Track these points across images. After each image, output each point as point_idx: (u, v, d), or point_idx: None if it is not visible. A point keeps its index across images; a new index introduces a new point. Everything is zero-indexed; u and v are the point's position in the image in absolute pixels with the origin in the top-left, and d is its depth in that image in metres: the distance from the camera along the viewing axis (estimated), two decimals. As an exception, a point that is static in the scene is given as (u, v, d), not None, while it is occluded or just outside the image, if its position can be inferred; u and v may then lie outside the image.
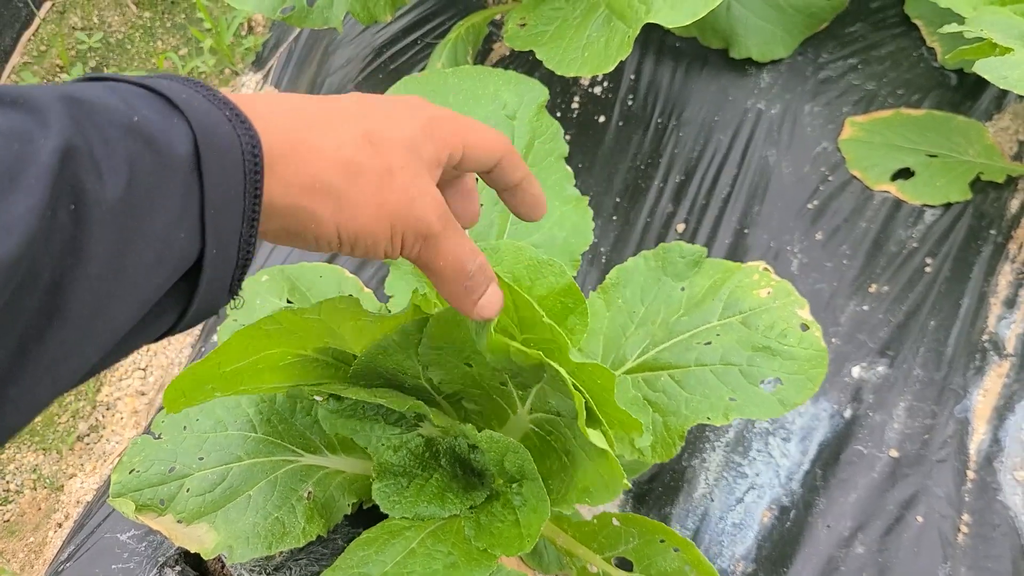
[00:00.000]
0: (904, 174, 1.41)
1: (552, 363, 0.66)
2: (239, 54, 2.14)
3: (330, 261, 1.31)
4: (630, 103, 1.58)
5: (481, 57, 1.72)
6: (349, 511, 0.96)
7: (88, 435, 1.67)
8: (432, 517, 0.84)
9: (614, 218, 1.48)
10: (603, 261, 1.45)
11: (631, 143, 1.54)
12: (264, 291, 1.05)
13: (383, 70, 1.76)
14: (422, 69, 1.68)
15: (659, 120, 1.55)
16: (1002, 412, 1.21)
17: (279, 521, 0.92)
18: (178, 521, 0.92)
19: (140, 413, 1.66)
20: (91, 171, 0.40)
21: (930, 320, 1.29)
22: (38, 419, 1.70)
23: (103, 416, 1.68)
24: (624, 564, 0.93)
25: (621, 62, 1.17)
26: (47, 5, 2.28)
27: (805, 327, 0.89)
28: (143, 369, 1.70)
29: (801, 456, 1.22)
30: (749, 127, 1.50)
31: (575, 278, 1.39)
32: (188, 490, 0.93)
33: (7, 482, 1.65)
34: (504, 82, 1.00)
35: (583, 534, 0.96)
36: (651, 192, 1.48)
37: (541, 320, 0.66)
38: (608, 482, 0.73)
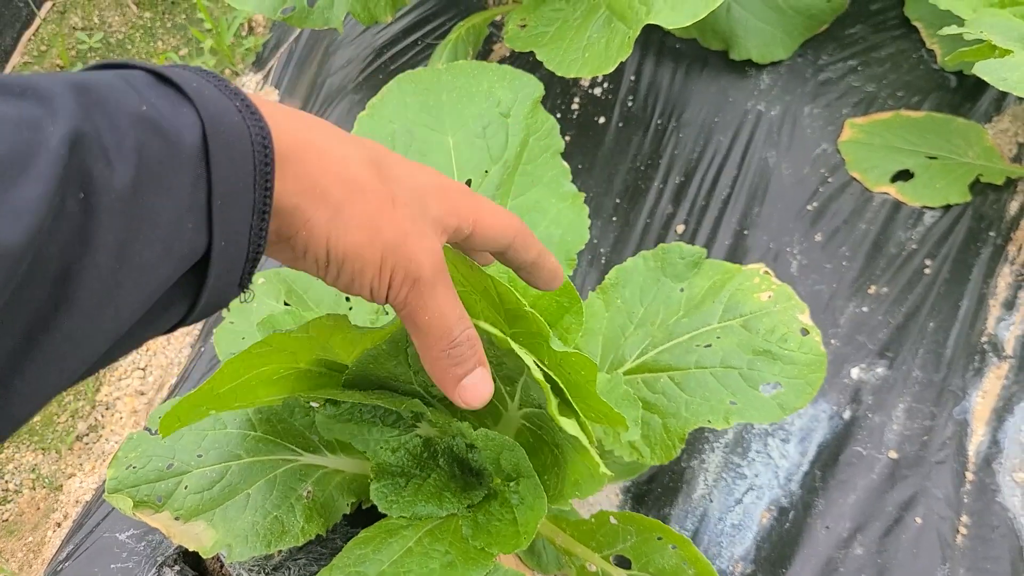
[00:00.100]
0: (903, 176, 1.41)
1: (515, 345, 0.64)
2: (239, 54, 2.14)
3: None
4: (630, 104, 1.58)
5: (481, 58, 1.72)
6: (348, 511, 0.96)
7: (87, 435, 1.67)
8: (430, 516, 0.84)
9: (614, 219, 1.48)
10: (603, 262, 1.45)
11: (631, 144, 1.54)
12: (261, 294, 1.05)
13: (383, 71, 1.76)
14: (422, 70, 1.68)
15: (659, 121, 1.55)
16: (1001, 414, 1.21)
17: (278, 520, 0.92)
18: (175, 518, 0.92)
19: (139, 413, 1.66)
20: (100, 159, 0.40)
21: (929, 322, 1.29)
22: (37, 418, 1.70)
23: (102, 416, 1.68)
24: (622, 562, 0.93)
25: (621, 63, 1.17)
26: (47, 5, 2.28)
27: (805, 332, 0.90)
28: (142, 369, 1.70)
29: (800, 457, 1.22)
30: (749, 128, 1.50)
31: (573, 277, 1.39)
32: (186, 487, 0.92)
33: (6, 482, 1.65)
34: (498, 78, 0.99)
35: (581, 533, 0.96)
36: (651, 193, 1.48)
37: (525, 311, 0.65)
38: (591, 472, 0.72)
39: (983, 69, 1.06)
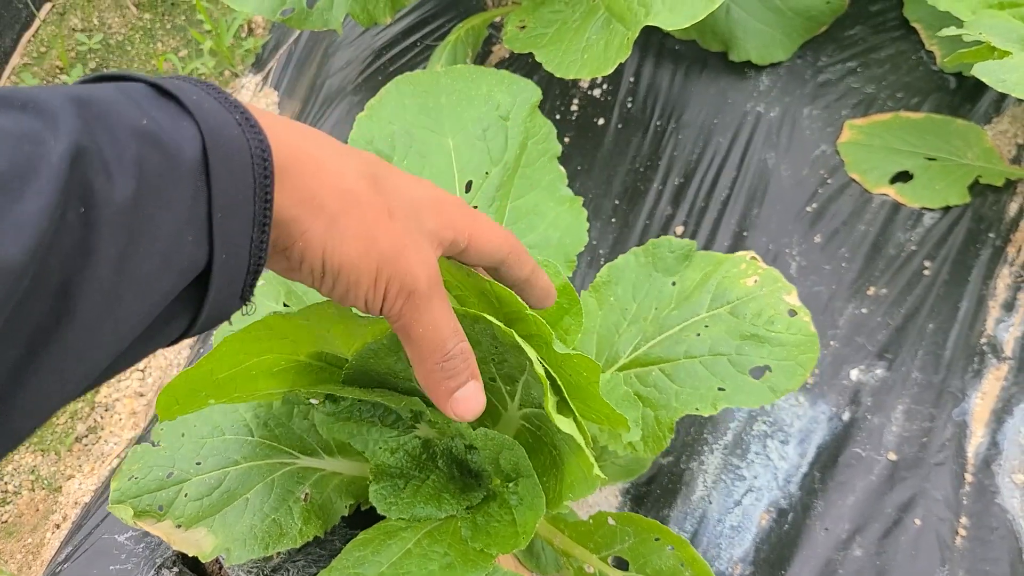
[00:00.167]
0: (903, 177, 1.41)
1: (519, 338, 0.65)
2: (239, 56, 2.14)
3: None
4: (629, 105, 1.58)
5: (480, 59, 1.72)
6: (346, 513, 0.96)
7: (86, 436, 1.67)
8: (429, 518, 0.84)
9: (613, 220, 1.48)
10: (601, 263, 1.44)
11: (630, 145, 1.54)
12: (261, 295, 1.05)
13: (382, 72, 1.76)
14: (421, 71, 1.69)
15: (658, 122, 1.55)
16: (1000, 415, 1.21)
17: (276, 523, 0.92)
18: (177, 526, 0.92)
19: (138, 414, 1.66)
20: (100, 173, 0.40)
21: (928, 323, 1.29)
22: (36, 420, 1.69)
23: (101, 417, 1.68)
24: (620, 563, 0.93)
25: (620, 64, 1.17)
26: (47, 6, 2.28)
27: (793, 313, 0.89)
28: (141, 370, 1.70)
29: (799, 459, 1.22)
30: (748, 130, 1.50)
31: (572, 279, 1.40)
32: (186, 495, 0.93)
33: (5, 483, 1.65)
34: (497, 82, 1.00)
35: (579, 534, 0.96)
36: (650, 194, 1.48)
37: (525, 313, 0.66)
38: (586, 473, 0.73)
39: (982, 70, 1.06)
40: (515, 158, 0.98)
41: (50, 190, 0.37)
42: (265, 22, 2.19)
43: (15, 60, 2.21)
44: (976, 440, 1.20)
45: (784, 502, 1.19)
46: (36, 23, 2.25)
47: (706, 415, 0.87)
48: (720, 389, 0.87)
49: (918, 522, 1.15)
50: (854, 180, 1.42)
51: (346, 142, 1.01)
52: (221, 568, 1.08)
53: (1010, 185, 1.37)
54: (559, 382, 0.69)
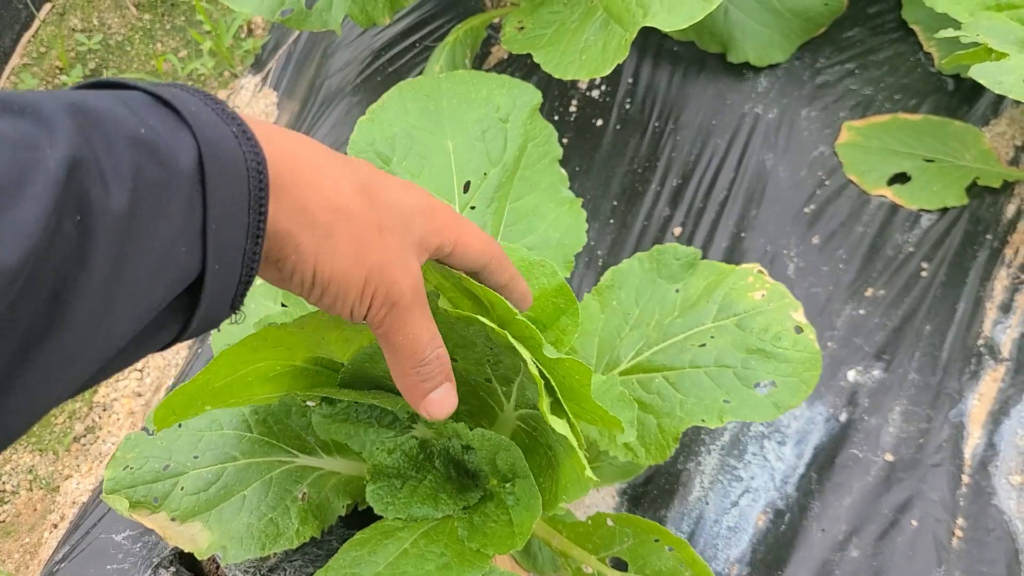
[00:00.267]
0: (901, 179, 1.41)
1: (513, 340, 0.65)
2: (238, 56, 2.15)
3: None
4: (628, 107, 1.58)
5: (479, 60, 1.73)
6: (344, 512, 0.96)
7: (84, 436, 1.67)
8: (425, 518, 0.85)
9: (611, 221, 1.48)
10: (600, 264, 1.45)
11: (628, 146, 1.54)
12: (258, 295, 1.05)
13: (381, 73, 1.76)
14: (420, 72, 1.69)
15: (656, 124, 1.55)
16: (997, 416, 1.21)
17: (273, 522, 0.92)
18: (172, 519, 0.92)
19: (136, 414, 1.66)
20: (97, 182, 0.40)
21: (926, 324, 1.29)
22: (35, 420, 1.69)
23: (100, 417, 1.68)
24: (619, 564, 0.93)
25: (619, 65, 1.17)
26: (47, 7, 2.28)
27: (799, 330, 0.90)
28: (140, 370, 1.70)
29: (796, 459, 1.22)
30: (746, 131, 1.50)
31: (570, 280, 1.40)
32: (182, 488, 0.93)
33: (3, 483, 1.65)
34: (497, 86, 1.00)
35: (578, 535, 0.96)
36: (648, 195, 1.49)
37: (515, 318, 0.66)
38: (578, 474, 0.73)
39: (979, 72, 1.06)
40: (514, 160, 0.98)
41: (46, 197, 0.37)
42: (264, 23, 2.19)
43: (15, 60, 2.21)
44: (973, 441, 1.20)
45: (781, 503, 1.19)
46: (36, 23, 2.25)
47: (712, 427, 0.87)
48: (726, 401, 0.87)
49: (915, 523, 1.15)
50: (852, 181, 1.42)
51: (346, 143, 1.01)
52: (218, 568, 1.08)
53: (1007, 187, 1.38)
54: (553, 384, 0.69)
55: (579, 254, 0.96)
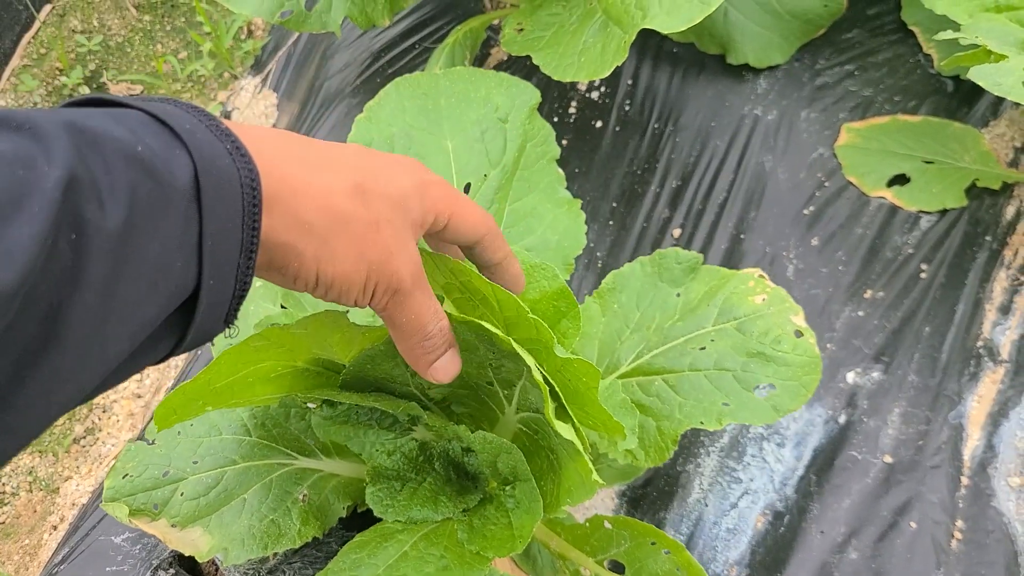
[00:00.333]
0: (900, 180, 1.41)
1: (516, 345, 0.66)
2: (238, 58, 2.15)
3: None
4: (627, 108, 1.58)
5: (479, 62, 1.73)
6: (344, 514, 0.96)
7: (84, 438, 1.67)
8: (425, 520, 0.85)
9: (610, 223, 1.48)
10: (599, 266, 1.45)
11: (628, 148, 1.54)
12: (258, 297, 1.05)
13: (381, 74, 1.76)
14: (420, 73, 1.69)
15: (656, 125, 1.55)
16: (996, 418, 1.21)
17: (274, 523, 0.92)
18: (172, 525, 0.92)
19: (136, 416, 1.66)
20: (93, 201, 0.40)
21: (925, 326, 1.29)
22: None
23: (99, 419, 1.68)
24: (616, 567, 0.93)
25: (618, 67, 1.17)
26: (47, 8, 2.28)
27: (799, 334, 0.90)
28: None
29: (795, 461, 1.22)
30: (746, 133, 1.50)
31: (570, 282, 1.40)
32: (182, 494, 0.93)
33: (3, 484, 1.65)
34: (496, 84, 1.00)
35: (576, 537, 0.96)
36: (647, 197, 1.49)
37: (526, 317, 0.66)
38: (584, 478, 0.73)
39: (978, 74, 1.06)
40: (513, 160, 0.98)
41: (42, 217, 0.38)
42: (264, 24, 2.20)
43: (15, 62, 2.21)
44: (972, 443, 1.20)
45: (780, 505, 1.19)
46: (36, 24, 2.25)
47: (711, 430, 0.87)
48: (724, 404, 0.87)
49: (914, 525, 1.15)
50: (851, 183, 1.42)
51: (344, 144, 1.01)
52: (217, 570, 1.08)
53: (1007, 188, 1.38)
54: (557, 388, 0.69)
55: (578, 256, 0.96)
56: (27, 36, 2.24)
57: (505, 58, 1.71)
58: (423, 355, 0.65)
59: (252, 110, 1.99)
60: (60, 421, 1.70)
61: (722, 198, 1.45)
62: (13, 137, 0.39)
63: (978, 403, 1.22)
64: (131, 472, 0.93)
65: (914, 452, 1.20)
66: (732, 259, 1.40)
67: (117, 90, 2.18)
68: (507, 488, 0.83)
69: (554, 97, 1.62)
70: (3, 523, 1.61)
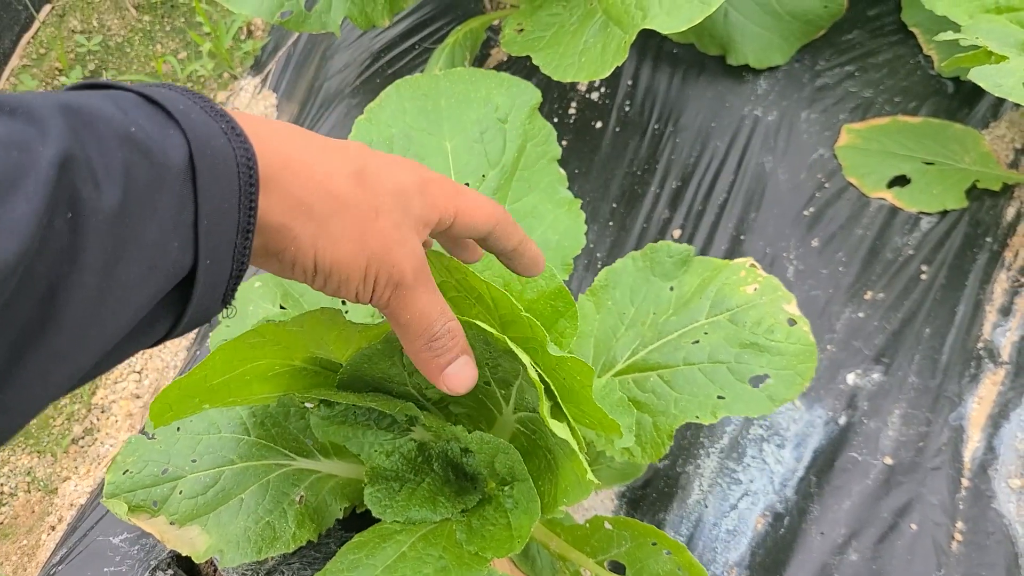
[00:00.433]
0: (900, 181, 1.41)
1: (512, 344, 0.65)
2: (238, 58, 2.15)
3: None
4: (627, 109, 1.58)
5: (479, 62, 1.72)
6: (341, 515, 0.95)
7: (83, 438, 1.67)
8: (423, 521, 0.84)
9: (610, 224, 1.48)
10: (599, 267, 1.45)
11: (628, 149, 1.54)
12: (257, 297, 1.05)
13: (380, 74, 1.76)
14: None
15: (656, 126, 1.55)
16: (997, 420, 1.21)
17: (270, 526, 0.92)
18: (170, 523, 0.92)
19: (135, 416, 1.65)
20: (88, 180, 0.40)
21: (925, 327, 1.29)
22: (33, 421, 1.69)
23: (98, 419, 1.68)
24: (617, 568, 0.93)
25: (618, 68, 1.17)
26: (46, 8, 2.28)
27: (792, 322, 0.89)
28: (138, 372, 1.70)
29: (795, 463, 1.22)
30: (746, 134, 1.50)
31: (570, 282, 1.39)
32: (181, 492, 0.92)
33: (1, 484, 1.65)
34: (496, 85, 1.00)
35: (576, 538, 0.96)
36: (647, 198, 1.48)
37: (520, 316, 0.66)
38: (579, 478, 0.73)
39: (978, 75, 1.06)
40: (513, 161, 0.98)
41: (38, 196, 0.37)
42: (264, 24, 2.19)
43: (14, 62, 2.21)
44: (972, 445, 1.19)
45: (780, 506, 1.19)
46: (35, 25, 2.25)
47: (706, 423, 0.87)
48: (720, 397, 0.87)
49: (914, 527, 1.14)
50: (852, 184, 1.42)
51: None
52: (215, 570, 1.08)
53: (1007, 189, 1.37)
54: (553, 387, 0.69)
55: (578, 256, 0.95)
56: (27, 36, 2.24)
57: (505, 58, 1.71)
58: (432, 358, 0.62)
59: (252, 110, 1.99)
60: (58, 422, 1.70)
61: (722, 199, 1.45)
62: (7, 120, 0.39)
63: (978, 405, 1.22)
64: (131, 468, 0.93)
65: (914, 454, 1.20)
66: (732, 259, 1.39)
67: (117, 90, 2.17)
68: (505, 488, 0.83)
69: (554, 98, 1.62)
70: (1, 523, 1.61)
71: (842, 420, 1.23)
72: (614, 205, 1.49)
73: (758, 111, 1.52)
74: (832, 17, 1.54)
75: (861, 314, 1.31)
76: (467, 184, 0.97)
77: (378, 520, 0.85)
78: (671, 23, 1.11)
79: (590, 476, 0.68)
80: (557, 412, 0.70)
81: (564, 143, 1.56)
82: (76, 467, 1.63)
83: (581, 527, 0.96)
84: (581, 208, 0.97)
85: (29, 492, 1.63)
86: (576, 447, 0.67)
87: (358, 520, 0.97)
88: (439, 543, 0.82)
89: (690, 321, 0.92)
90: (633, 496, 1.23)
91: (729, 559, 1.17)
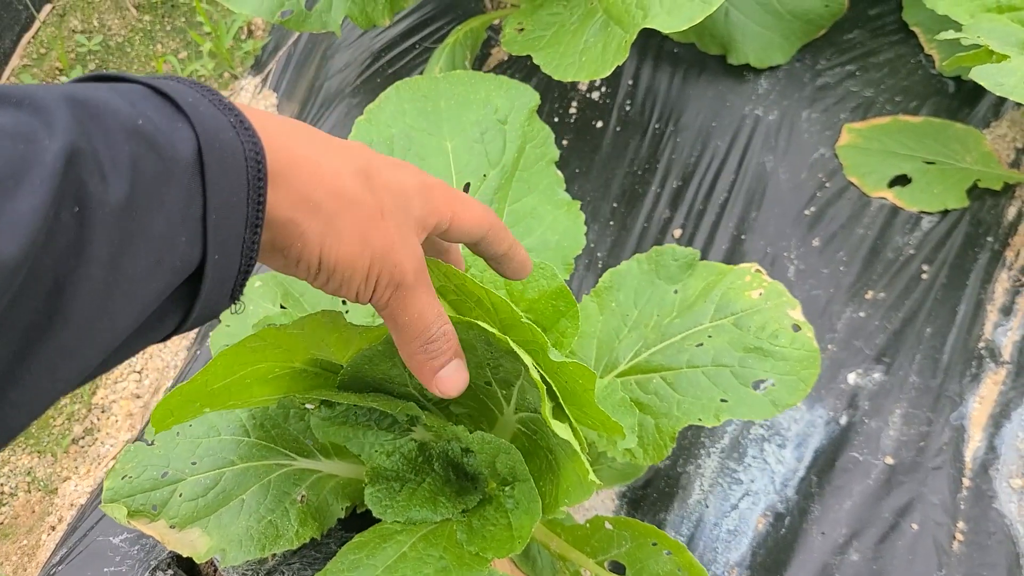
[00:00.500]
0: (901, 181, 1.41)
1: (514, 344, 0.65)
2: (238, 58, 2.14)
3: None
4: (628, 108, 1.58)
5: (479, 62, 1.72)
6: (342, 515, 0.95)
7: (83, 438, 1.67)
8: (424, 521, 0.84)
9: (611, 223, 1.47)
10: (600, 266, 1.44)
11: (628, 148, 1.54)
12: (257, 297, 1.05)
13: (381, 74, 1.76)
14: (420, 73, 1.68)
15: (656, 125, 1.55)
16: (998, 420, 1.21)
17: (272, 524, 0.92)
18: (171, 526, 0.91)
19: (135, 416, 1.65)
20: (95, 174, 0.40)
21: (926, 327, 1.29)
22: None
23: (98, 419, 1.68)
24: (617, 568, 0.93)
25: (619, 67, 1.17)
26: (47, 8, 2.28)
27: (797, 328, 0.89)
28: (138, 372, 1.70)
29: (796, 462, 1.21)
30: (747, 133, 1.50)
31: (570, 282, 1.39)
32: (181, 495, 0.92)
33: (1, 484, 1.65)
34: (495, 87, 1.00)
35: (576, 538, 0.96)
36: (648, 197, 1.48)
37: (520, 321, 0.66)
38: (581, 478, 0.73)
39: (980, 74, 1.06)
40: (513, 161, 0.98)
41: (44, 189, 0.37)
42: (264, 24, 2.19)
43: (15, 62, 2.21)
44: (974, 444, 1.19)
45: (781, 506, 1.19)
46: (36, 24, 2.25)
47: (709, 426, 0.87)
48: (723, 400, 0.87)
49: (915, 527, 1.14)
50: (852, 184, 1.42)
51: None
52: (216, 570, 1.08)
53: (1008, 189, 1.37)
54: (555, 388, 0.69)
55: (579, 256, 0.95)
56: (27, 36, 2.24)
57: (506, 58, 1.71)
58: (427, 361, 0.63)
59: (252, 110, 1.98)
60: (59, 422, 1.70)
61: (723, 198, 1.45)
62: (13, 112, 0.39)
63: (980, 404, 1.22)
64: (130, 473, 0.93)
65: (915, 453, 1.19)
66: (733, 260, 1.39)
67: (117, 90, 2.17)
68: (506, 489, 0.82)
69: (555, 97, 1.62)
70: (1, 523, 1.61)
71: (843, 420, 1.23)
72: (615, 204, 1.49)
73: (759, 110, 1.52)
74: (833, 16, 1.54)
75: (862, 314, 1.31)
76: (468, 184, 0.97)
77: (379, 520, 0.85)
78: (672, 22, 1.11)
79: (592, 477, 0.68)
80: (559, 413, 0.70)
81: (565, 142, 1.56)
82: (76, 467, 1.63)
83: (581, 527, 0.96)
84: (582, 207, 0.97)
85: (29, 492, 1.63)
86: (578, 448, 0.67)
87: (359, 520, 0.97)
88: (440, 543, 0.82)
89: (694, 324, 0.92)
90: (634, 496, 1.23)
91: (730, 559, 1.17)
